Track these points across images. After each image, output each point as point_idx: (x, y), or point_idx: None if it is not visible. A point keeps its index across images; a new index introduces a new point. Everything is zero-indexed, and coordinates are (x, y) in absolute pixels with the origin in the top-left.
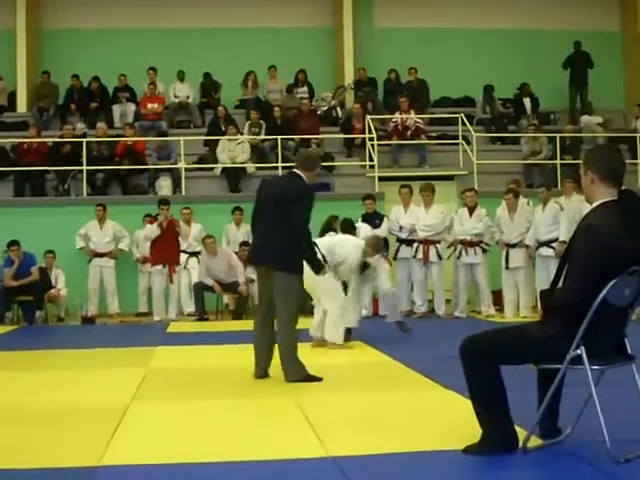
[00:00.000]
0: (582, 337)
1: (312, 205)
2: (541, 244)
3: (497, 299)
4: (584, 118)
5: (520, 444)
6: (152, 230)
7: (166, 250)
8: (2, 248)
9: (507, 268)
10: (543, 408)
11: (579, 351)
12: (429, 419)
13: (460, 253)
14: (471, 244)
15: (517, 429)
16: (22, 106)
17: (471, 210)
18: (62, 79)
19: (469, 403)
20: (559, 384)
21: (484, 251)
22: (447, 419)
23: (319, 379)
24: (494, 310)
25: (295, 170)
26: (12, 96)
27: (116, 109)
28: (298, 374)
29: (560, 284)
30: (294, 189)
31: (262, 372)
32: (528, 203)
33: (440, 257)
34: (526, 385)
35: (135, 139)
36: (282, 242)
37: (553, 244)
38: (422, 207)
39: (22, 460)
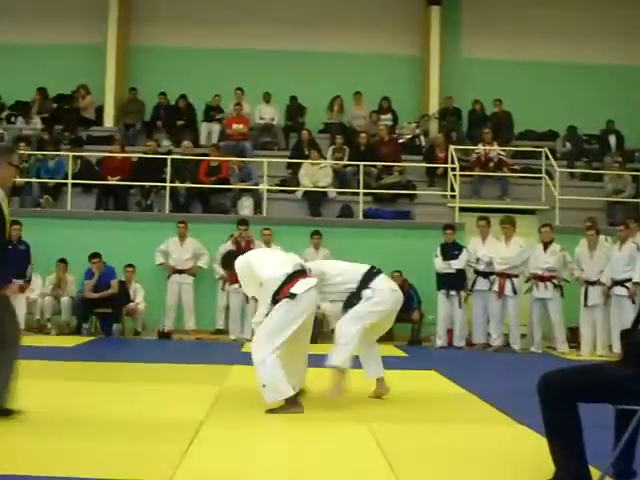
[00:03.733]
0: None
1: None
2: (615, 283)
3: (574, 336)
4: None
5: None
6: (226, 247)
7: None
8: (84, 260)
9: (586, 306)
10: (619, 449)
11: None
12: (502, 454)
13: (532, 287)
14: (542, 279)
15: (591, 469)
16: (109, 121)
17: (546, 245)
18: (149, 96)
19: (543, 439)
20: (637, 426)
21: (556, 286)
22: (520, 455)
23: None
24: (568, 347)
25: None
26: (100, 110)
27: (204, 128)
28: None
29: None
30: None
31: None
32: (606, 239)
33: (515, 292)
34: (602, 425)
35: (218, 159)
36: None
37: (627, 284)
38: (502, 240)
39: (96, 470)
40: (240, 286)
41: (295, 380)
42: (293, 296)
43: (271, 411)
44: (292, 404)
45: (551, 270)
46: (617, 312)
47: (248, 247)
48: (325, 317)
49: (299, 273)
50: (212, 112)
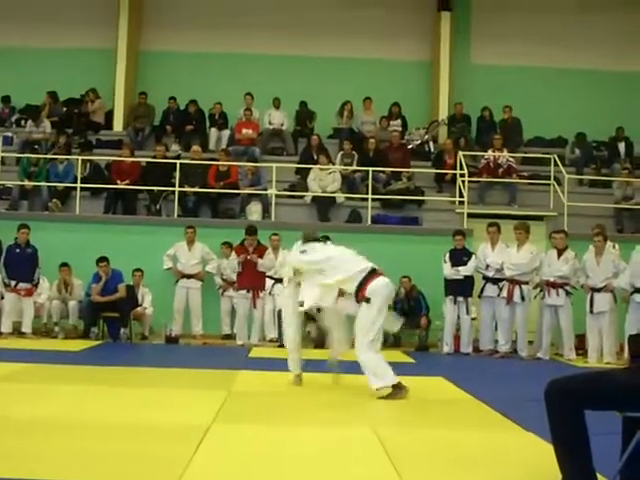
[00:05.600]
0: None
1: None
2: (637, 290)
3: (581, 343)
4: None
5: None
6: (234, 267)
7: (252, 276)
8: (92, 264)
9: (591, 312)
10: (626, 456)
11: None
12: (508, 460)
13: (544, 294)
14: (554, 285)
15: (598, 476)
16: (118, 125)
17: (560, 252)
18: (158, 100)
19: (549, 447)
20: None
21: (567, 294)
22: (527, 461)
23: None
24: (575, 354)
25: None
26: (109, 115)
27: (213, 133)
28: None
29: None
30: None
31: None
32: (614, 246)
33: (523, 298)
34: (609, 432)
35: (227, 163)
36: None
37: None
38: (514, 246)
39: (103, 473)
40: (248, 291)
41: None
42: (368, 300)
43: (381, 397)
44: (398, 390)
45: (563, 277)
46: (634, 318)
47: (260, 255)
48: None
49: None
50: (216, 121)
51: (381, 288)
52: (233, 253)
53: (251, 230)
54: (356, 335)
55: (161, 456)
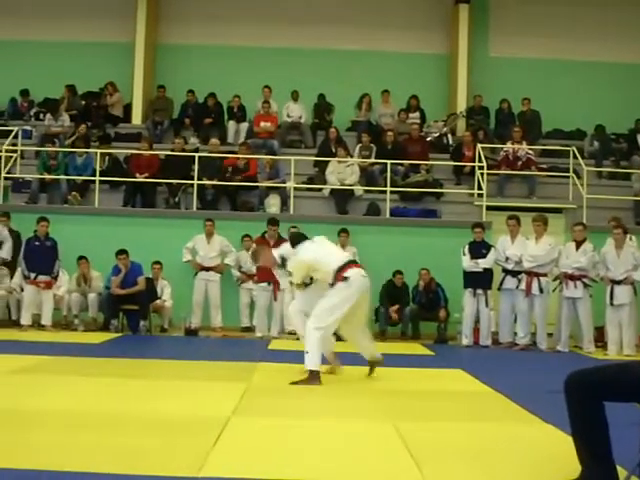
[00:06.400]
0: None
1: None
2: None
3: (600, 336)
4: None
5: None
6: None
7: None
8: (111, 257)
9: (611, 305)
10: None
11: None
12: (528, 453)
13: (562, 286)
14: (572, 278)
15: (618, 468)
16: (137, 118)
17: (578, 244)
18: (177, 94)
19: (569, 439)
20: None
21: (586, 286)
22: (546, 453)
23: None
24: (594, 347)
25: None
26: (128, 108)
27: (231, 126)
28: None
29: None
30: None
31: None
32: (630, 239)
33: (542, 290)
34: (630, 424)
35: (246, 156)
36: None
37: None
38: (531, 238)
39: (123, 466)
40: (269, 284)
41: (366, 353)
42: (346, 279)
43: (294, 383)
44: (313, 378)
45: (582, 269)
46: None
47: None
48: None
49: (351, 262)
50: (235, 114)
51: (358, 277)
52: (253, 245)
53: (273, 221)
54: (316, 308)
55: (180, 448)
